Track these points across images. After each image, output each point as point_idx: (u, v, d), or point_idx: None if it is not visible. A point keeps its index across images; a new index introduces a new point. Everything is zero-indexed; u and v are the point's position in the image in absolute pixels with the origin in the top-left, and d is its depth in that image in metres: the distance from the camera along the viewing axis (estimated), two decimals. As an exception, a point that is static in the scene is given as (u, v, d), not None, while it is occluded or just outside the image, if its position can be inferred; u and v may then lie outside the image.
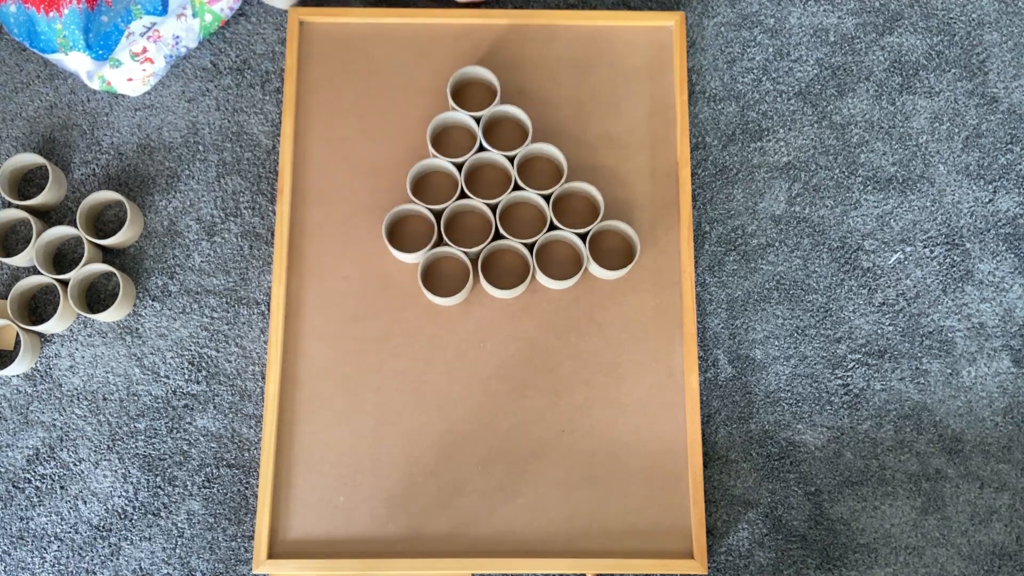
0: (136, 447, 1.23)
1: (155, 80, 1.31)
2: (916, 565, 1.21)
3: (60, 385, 1.24)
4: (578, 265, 1.24)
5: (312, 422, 1.20)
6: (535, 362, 1.22)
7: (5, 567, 1.20)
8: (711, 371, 1.26)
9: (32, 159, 1.27)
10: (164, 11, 1.23)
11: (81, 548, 1.20)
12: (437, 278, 1.24)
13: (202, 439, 1.23)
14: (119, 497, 1.22)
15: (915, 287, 1.29)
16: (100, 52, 1.21)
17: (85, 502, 1.22)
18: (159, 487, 1.22)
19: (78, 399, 1.24)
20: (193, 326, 1.26)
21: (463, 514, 1.18)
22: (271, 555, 1.16)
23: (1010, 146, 1.33)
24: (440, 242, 1.23)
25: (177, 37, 1.28)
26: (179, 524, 1.21)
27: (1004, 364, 1.27)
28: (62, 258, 1.28)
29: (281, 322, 1.22)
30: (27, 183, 1.31)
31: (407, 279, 1.24)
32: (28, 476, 1.22)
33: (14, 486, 1.22)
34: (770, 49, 1.36)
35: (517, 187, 1.23)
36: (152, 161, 1.31)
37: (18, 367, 1.21)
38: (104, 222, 1.29)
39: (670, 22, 1.31)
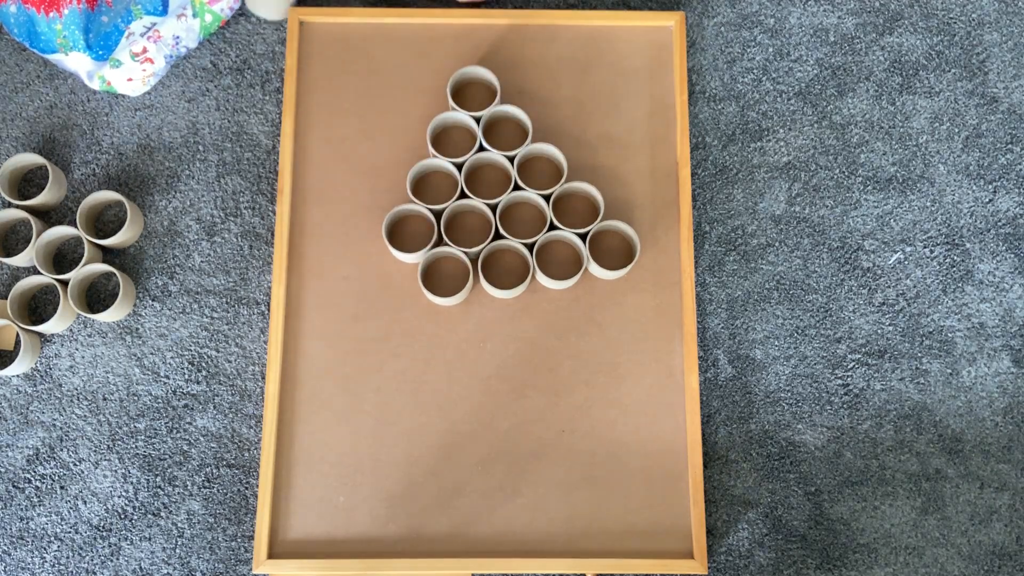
0: (136, 447, 1.23)
1: (155, 80, 1.31)
2: (916, 565, 1.21)
3: (60, 385, 1.24)
4: (578, 265, 1.24)
5: (312, 422, 1.20)
6: (535, 362, 1.22)
7: (5, 567, 1.20)
8: (711, 371, 1.26)
9: (32, 159, 1.27)
10: (164, 11, 1.23)
11: (81, 548, 1.20)
12: (437, 278, 1.24)
13: (202, 439, 1.23)
14: (119, 497, 1.22)
15: (915, 287, 1.29)
16: (100, 52, 1.21)
17: (85, 502, 1.22)
18: (159, 487, 1.22)
19: (78, 399, 1.24)
20: (193, 326, 1.26)
21: (463, 514, 1.18)
22: (271, 555, 1.16)
23: (1010, 146, 1.33)
24: (440, 242, 1.23)
25: (177, 37, 1.28)
26: (179, 524, 1.21)
27: (1004, 364, 1.27)
28: (62, 258, 1.28)
29: (281, 322, 1.22)
30: (27, 183, 1.31)
31: (407, 279, 1.24)
32: (28, 476, 1.22)
33: (14, 486, 1.22)
34: (770, 49, 1.36)
35: (517, 187, 1.23)
36: (152, 161, 1.31)
37: (18, 367, 1.21)
38: (104, 222, 1.29)
39: (670, 22, 1.31)
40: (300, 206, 1.26)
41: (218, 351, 1.25)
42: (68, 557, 1.20)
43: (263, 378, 1.24)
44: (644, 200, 1.27)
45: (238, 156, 1.31)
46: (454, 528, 1.18)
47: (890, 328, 1.27)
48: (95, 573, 1.20)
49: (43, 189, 1.28)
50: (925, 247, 1.30)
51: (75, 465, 1.22)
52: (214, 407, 1.24)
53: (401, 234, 1.25)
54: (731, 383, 1.25)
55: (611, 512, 1.18)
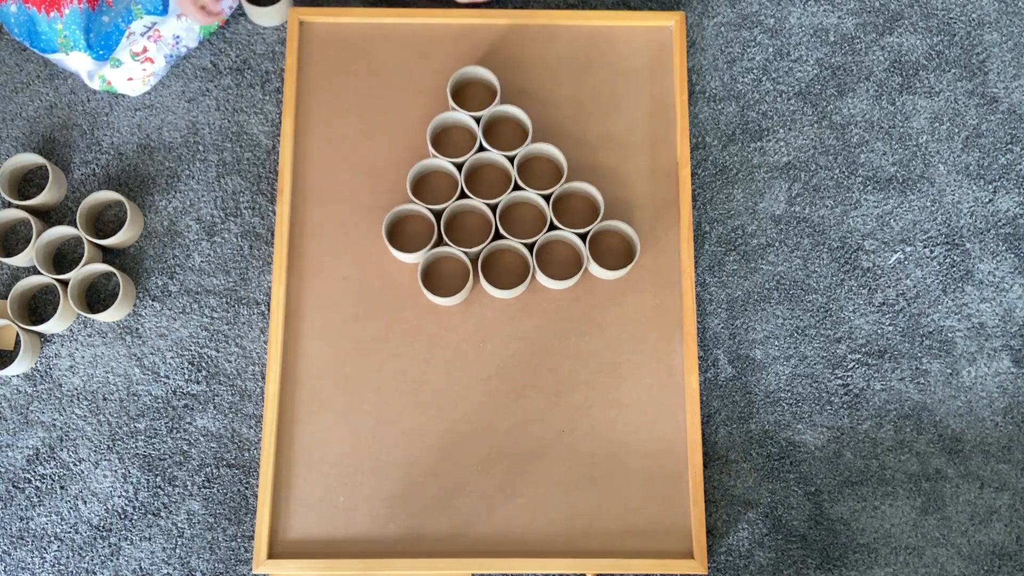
0: (136, 447, 1.23)
1: (155, 80, 1.31)
2: (916, 565, 1.21)
3: (60, 385, 1.24)
4: (578, 265, 1.24)
5: (312, 422, 1.20)
6: (535, 362, 1.22)
7: (5, 567, 1.20)
8: (711, 371, 1.26)
9: (32, 159, 1.27)
10: (164, 11, 1.23)
11: (81, 548, 1.20)
12: (437, 278, 1.24)
13: (202, 439, 1.23)
14: (119, 497, 1.22)
15: (915, 287, 1.29)
16: (101, 52, 1.21)
17: (85, 502, 1.22)
18: (159, 487, 1.22)
19: (78, 399, 1.24)
20: (193, 326, 1.26)
21: (463, 514, 1.18)
22: (271, 555, 1.16)
23: (1010, 146, 1.33)
24: (440, 242, 1.23)
25: (177, 37, 1.28)
26: (179, 524, 1.21)
27: (1004, 364, 1.27)
28: (62, 258, 1.28)
29: (281, 322, 1.22)
30: (27, 183, 1.31)
31: (407, 279, 1.24)
32: (28, 476, 1.22)
33: (14, 486, 1.22)
34: (770, 49, 1.36)
35: (517, 187, 1.23)
36: (152, 161, 1.31)
37: (18, 367, 1.21)
38: (104, 222, 1.29)
39: (670, 22, 1.31)
40: (300, 206, 1.26)
41: (218, 351, 1.25)
42: (68, 557, 1.20)
43: (263, 378, 1.24)
44: (644, 200, 1.27)
45: (238, 156, 1.31)
46: (454, 528, 1.18)
47: (890, 328, 1.27)
48: (95, 573, 1.20)
49: (43, 189, 1.28)
50: (925, 247, 1.30)
51: (75, 465, 1.22)
52: (214, 407, 1.24)
53: (401, 234, 1.25)
54: (731, 383, 1.25)
55: (611, 512, 1.18)
